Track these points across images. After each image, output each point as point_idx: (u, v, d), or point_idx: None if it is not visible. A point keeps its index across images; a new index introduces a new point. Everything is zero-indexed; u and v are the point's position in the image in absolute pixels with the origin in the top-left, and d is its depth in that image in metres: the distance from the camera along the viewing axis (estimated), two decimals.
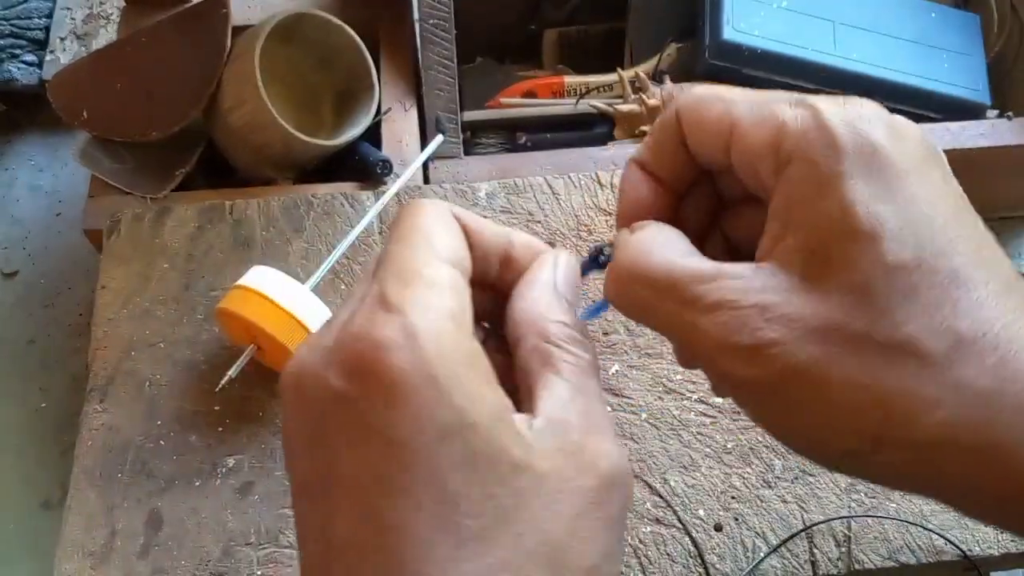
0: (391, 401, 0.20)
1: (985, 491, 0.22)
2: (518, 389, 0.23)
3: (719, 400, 0.55)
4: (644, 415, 0.54)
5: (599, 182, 0.64)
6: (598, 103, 0.78)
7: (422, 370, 0.20)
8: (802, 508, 0.51)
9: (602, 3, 0.91)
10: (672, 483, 0.52)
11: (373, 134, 0.71)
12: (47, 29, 0.98)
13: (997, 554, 0.50)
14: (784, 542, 0.50)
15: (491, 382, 0.21)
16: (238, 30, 0.69)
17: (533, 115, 0.81)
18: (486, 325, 0.27)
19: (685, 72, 0.80)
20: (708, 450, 0.53)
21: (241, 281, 0.52)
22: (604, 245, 0.28)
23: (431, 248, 0.23)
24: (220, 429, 0.53)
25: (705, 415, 0.54)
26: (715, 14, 0.76)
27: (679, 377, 0.56)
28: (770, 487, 0.52)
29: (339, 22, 0.70)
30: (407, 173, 0.65)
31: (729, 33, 0.75)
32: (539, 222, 0.62)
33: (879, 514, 0.51)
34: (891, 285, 0.22)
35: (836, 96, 0.24)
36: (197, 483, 0.51)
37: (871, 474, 0.23)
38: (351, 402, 0.20)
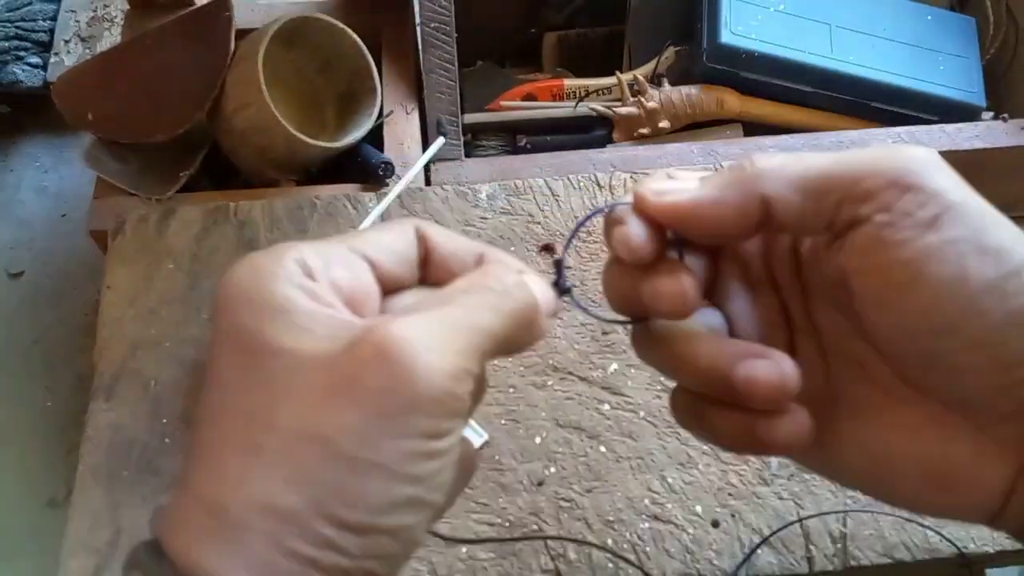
0: (214, 313, 0.25)
1: None
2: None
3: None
4: (642, 413, 0.55)
5: (598, 184, 0.65)
6: (597, 106, 0.79)
7: (225, 294, 0.24)
8: (798, 505, 0.52)
9: (601, 7, 0.92)
10: (670, 480, 0.53)
11: (375, 136, 0.72)
12: (51, 31, 0.98)
13: (992, 551, 0.51)
14: (774, 532, 0.51)
15: (298, 299, 0.23)
16: (242, 33, 0.70)
17: (533, 118, 0.81)
18: None
19: (683, 75, 0.81)
20: (705, 447, 0.54)
21: None
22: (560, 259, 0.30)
23: (347, 237, 0.26)
24: None
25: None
26: (713, 17, 0.76)
27: None
28: (766, 484, 0.53)
29: (342, 26, 0.71)
30: (409, 175, 0.66)
31: (727, 36, 0.75)
32: (539, 223, 0.63)
33: (874, 511, 0.52)
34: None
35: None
36: None
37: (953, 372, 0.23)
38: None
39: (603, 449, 0.54)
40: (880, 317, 0.25)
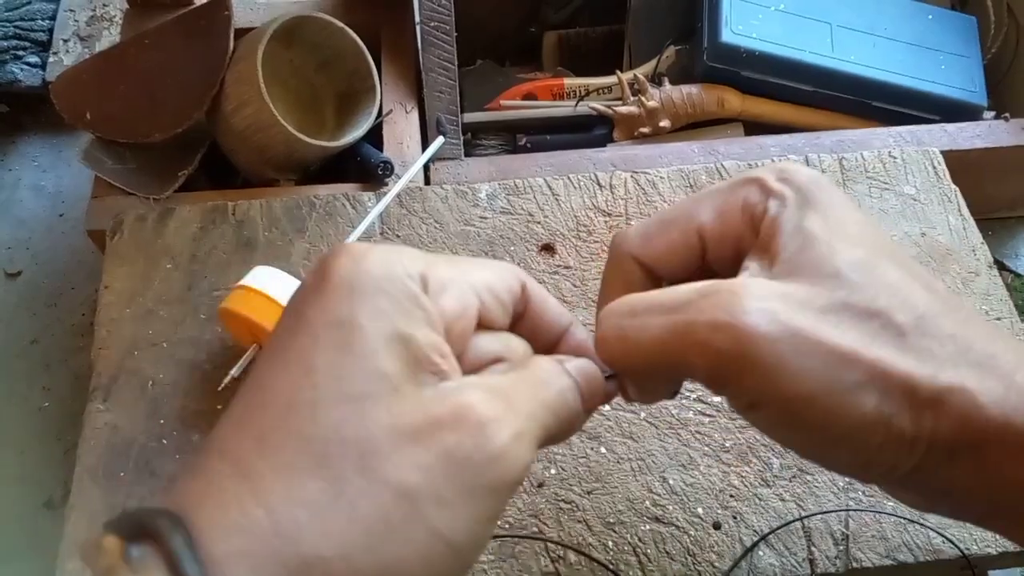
0: (317, 288, 0.24)
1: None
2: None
3: (717, 399, 0.55)
4: (643, 414, 0.55)
5: (598, 183, 0.65)
6: (597, 105, 0.79)
7: (348, 277, 0.24)
8: (800, 506, 0.52)
9: (602, 6, 0.92)
10: (671, 482, 0.52)
11: (374, 136, 0.72)
12: (50, 31, 0.98)
13: (995, 552, 0.51)
14: (774, 531, 0.50)
15: (411, 321, 0.24)
16: (241, 32, 0.69)
17: (533, 117, 0.81)
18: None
19: (684, 74, 0.80)
20: (706, 449, 0.53)
21: (244, 281, 0.53)
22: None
23: (462, 267, 0.27)
24: None
25: (703, 414, 0.55)
26: (713, 17, 0.76)
27: None
28: (768, 485, 0.52)
29: (341, 25, 0.71)
30: (408, 174, 0.65)
31: (727, 35, 0.75)
32: (539, 223, 0.63)
33: (877, 511, 0.51)
34: (858, 270, 0.26)
35: (762, 168, 0.32)
36: None
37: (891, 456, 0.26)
38: (307, 282, 0.25)
39: (603, 450, 0.53)
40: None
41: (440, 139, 0.68)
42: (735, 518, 0.51)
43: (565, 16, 0.94)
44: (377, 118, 0.72)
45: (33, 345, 0.81)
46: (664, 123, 0.77)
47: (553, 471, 0.53)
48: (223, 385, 0.52)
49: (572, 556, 0.50)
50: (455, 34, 0.67)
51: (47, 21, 0.98)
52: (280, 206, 0.63)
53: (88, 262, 0.85)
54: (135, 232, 0.62)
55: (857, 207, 0.30)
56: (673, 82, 0.79)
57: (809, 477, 0.53)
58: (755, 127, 0.79)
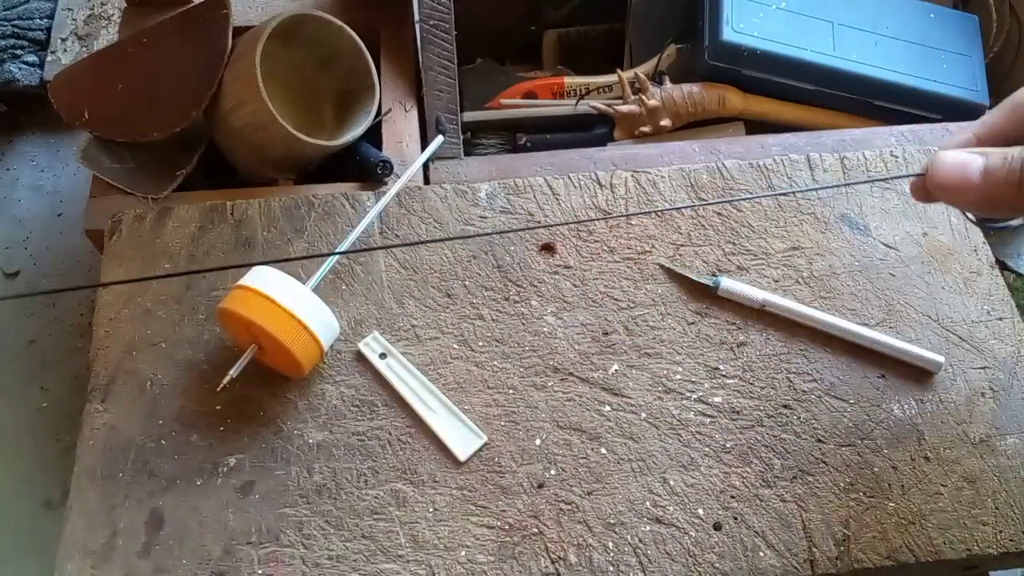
0: None
1: None
2: None
3: (718, 400, 0.55)
4: (643, 415, 0.54)
5: (599, 182, 0.65)
6: (598, 104, 0.79)
7: None
8: (801, 507, 0.51)
9: (602, 4, 0.91)
10: (671, 482, 0.52)
11: (374, 135, 0.72)
12: (48, 30, 0.98)
13: (996, 553, 0.50)
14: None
15: None
16: (239, 31, 0.69)
17: (533, 116, 0.81)
18: None
19: (685, 73, 0.80)
20: (707, 449, 0.53)
21: (242, 281, 0.52)
22: None
23: None
24: (221, 429, 0.53)
25: (704, 415, 0.55)
26: (714, 15, 0.76)
27: (678, 377, 0.56)
28: (769, 486, 0.52)
29: (340, 23, 0.71)
30: (407, 173, 0.65)
31: (728, 34, 0.75)
32: (539, 222, 0.63)
33: (878, 513, 0.51)
34: None
35: None
36: (198, 482, 0.51)
37: None
38: None
39: (604, 451, 0.53)
40: None
41: (440, 138, 0.68)
42: (736, 519, 0.51)
43: (565, 14, 0.93)
44: (376, 117, 0.72)
45: (31, 345, 0.81)
46: (665, 122, 0.77)
47: (553, 472, 0.52)
48: (222, 385, 0.52)
49: (572, 557, 0.50)
50: (455, 33, 0.67)
51: (45, 20, 0.98)
52: (279, 206, 0.63)
53: (86, 262, 0.85)
54: (133, 232, 0.62)
55: None
56: (674, 81, 0.78)
57: (810, 478, 0.52)
58: (756, 126, 0.79)
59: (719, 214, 0.63)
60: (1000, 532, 0.51)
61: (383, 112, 0.72)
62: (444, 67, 0.68)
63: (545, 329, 0.58)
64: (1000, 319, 0.59)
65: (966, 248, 0.63)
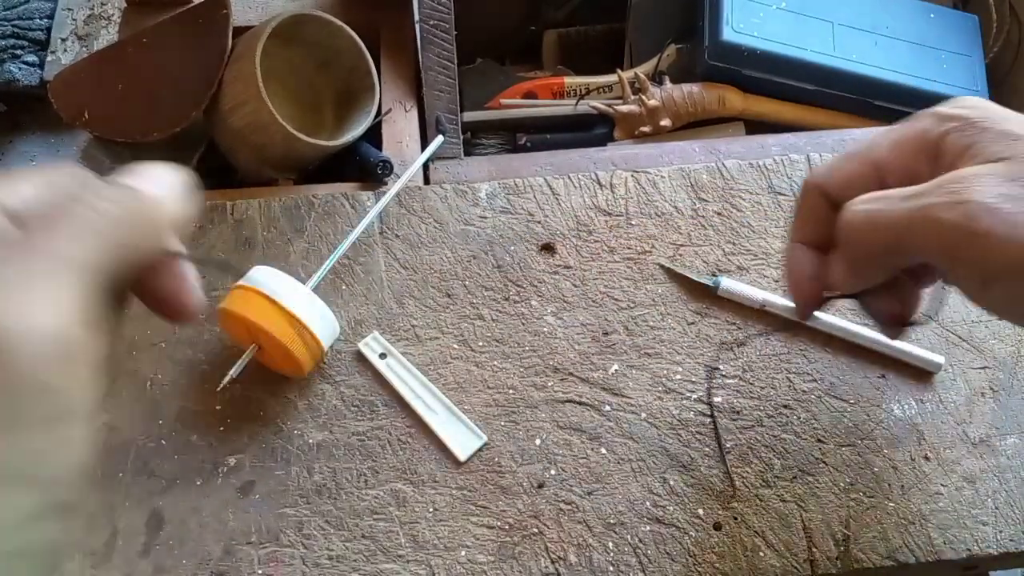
0: None
1: None
2: None
3: (718, 399, 0.55)
4: (643, 415, 0.54)
5: (599, 182, 0.65)
6: (598, 104, 0.79)
7: None
8: (801, 507, 0.51)
9: (602, 4, 0.91)
10: (671, 482, 0.52)
11: (374, 135, 0.72)
12: (48, 30, 0.98)
13: (996, 553, 0.50)
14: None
15: None
16: (239, 31, 0.69)
17: (533, 116, 0.81)
18: None
19: (685, 73, 0.80)
20: (707, 449, 0.53)
21: (242, 281, 0.52)
22: None
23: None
24: (221, 429, 0.53)
25: (704, 415, 0.55)
26: (714, 15, 0.76)
27: (678, 377, 0.56)
28: (769, 486, 0.52)
29: (340, 23, 0.71)
30: (407, 173, 0.65)
31: (728, 34, 0.75)
32: (539, 222, 0.63)
33: (878, 513, 0.51)
34: None
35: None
36: (198, 482, 0.51)
37: None
38: None
39: (604, 451, 0.53)
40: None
41: (439, 138, 0.68)
42: (736, 519, 0.51)
43: (565, 14, 0.93)
44: (376, 117, 0.72)
45: None
46: (665, 122, 0.77)
47: (553, 472, 0.52)
48: (222, 385, 0.52)
49: (573, 557, 0.50)
50: (455, 32, 0.67)
51: (45, 20, 0.98)
52: (279, 205, 0.63)
53: None
54: None
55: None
56: (674, 81, 0.78)
57: (810, 478, 0.52)
58: (756, 126, 0.79)
59: (719, 214, 0.63)
60: (1000, 532, 0.51)
61: (383, 112, 0.72)
62: (444, 67, 0.68)
63: (545, 329, 0.58)
64: (1000, 319, 0.59)
65: None
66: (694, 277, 0.60)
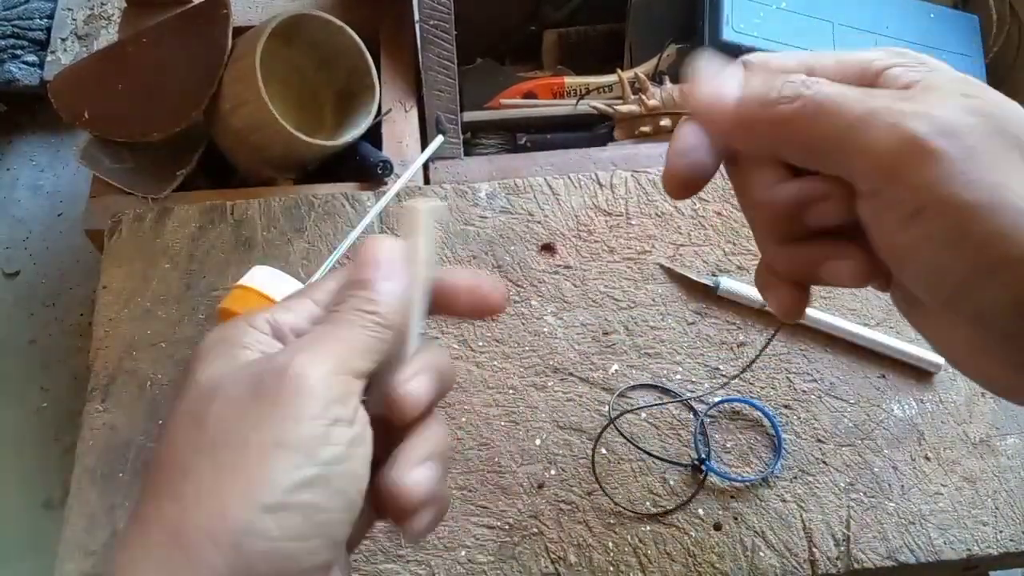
0: (189, 368, 0.28)
1: None
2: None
3: (718, 399, 0.55)
4: (643, 414, 0.54)
5: (599, 183, 0.65)
6: (598, 104, 0.79)
7: (197, 348, 0.28)
8: (801, 507, 0.51)
9: (602, 4, 0.91)
10: (671, 482, 0.52)
11: (373, 135, 0.72)
12: (48, 30, 0.98)
13: (996, 553, 0.50)
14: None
15: (255, 349, 0.28)
16: (239, 31, 0.69)
17: (533, 116, 0.81)
18: None
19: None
20: (707, 449, 0.53)
21: (242, 281, 0.52)
22: None
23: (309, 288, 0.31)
24: None
25: (704, 415, 0.55)
26: (714, 15, 0.76)
27: (678, 377, 0.56)
28: (769, 486, 0.52)
29: (340, 23, 0.71)
30: (407, 173, 0.65)
31: (728, 34, 0.75)
32: (539, 222, 0.63)
33: (879, 513, 0.51)
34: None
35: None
36: None
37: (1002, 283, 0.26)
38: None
39: (604, 451, 0.53)
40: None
41: (439, 138, 0.68)
42: (736, 519, 0.51)
43: (565, 14, 0.93)
44: (376, 117, 0.72)
45: (31, 345, 0.81)
46: (665, 122, 0.77)
47: (553, 472, 0.52)
48: None
49: (572, 557, 0.50)
50: (454, 32, 0.67)
51: (45, 20, 0.98)
52: (279, 205, 0.63)
53: (86, 262, 0.85)
54: (133, 232, 0.61)
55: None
56: (674, 80, 0.78)
57: (810, 478, 0.52)
58: None
59: (719, 214, 0.63)
60: (1000, 532, 0.51)
61: (383, 112, 0.72)
62: (444, 67, 0.68)
63: (545, 329, 0.58)
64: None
65: None
66: (694, 277, 0.60)
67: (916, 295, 0.29)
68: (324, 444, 0.25)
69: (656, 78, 0.80)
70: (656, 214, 0.63)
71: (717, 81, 0.30)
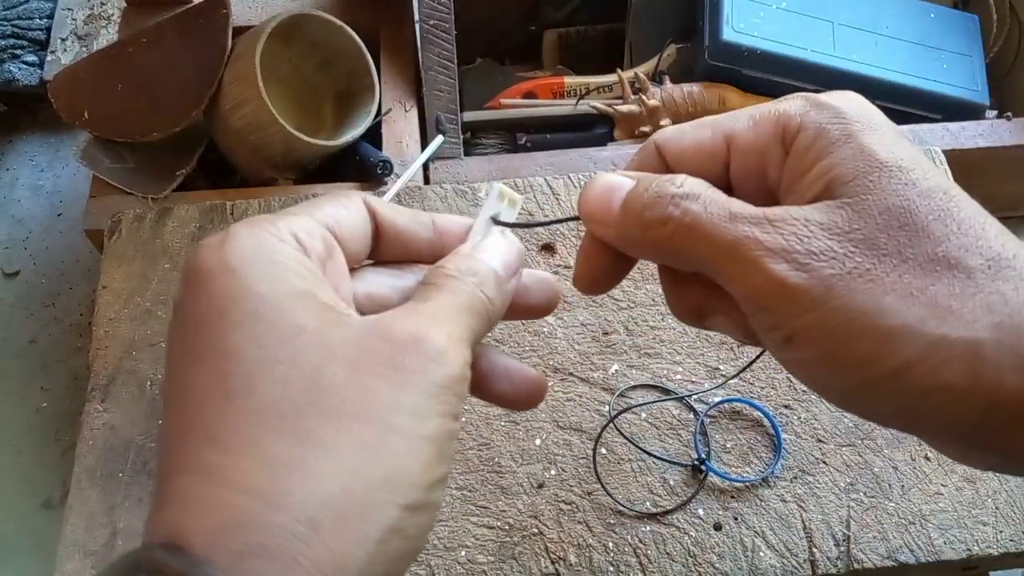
0: (195, 287, 0.24)
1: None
2: None
3: (718, 399, 0.55)
4: (643, 414, 0.54)
5: None
6: (598, 104, 0.79)
7: (221, 263, 0.24)
8: (801, 507, 0.51)
9: (602, 4, 0.91)
10: (671, 482, 0.52)
11: (373, 134, 0.72)
12: (48, 29, 0.98)
13: (996, 553, 0.50)
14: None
15: (304, 277, 0.24)
16: (239, 30, 0.69)
17: (533, 116, 0.81)
18: None
19: (685, 73, 0.80)
20: (707, 449, 0.53)
21: None
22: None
23: (304, 208, 0.27)
24: None
25: (704, 415, 0.55)
26: (715, 15, 0.76)
27: (678, 377, 0.56)
28: (769, 486, 0.52)
29: (340, 23, 0.71)
30: (407, 173, 0.65)
31: (729, 34, 0.75)
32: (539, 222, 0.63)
33: (879, 513, 0.51)
34: (927, 206, 0.25)
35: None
36: None
37: (913, 393, 0.24)
38: (177, 297, 0.25)
39: (604, 451, 0.53)
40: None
41: (439, 138, 0.68)
42: (736, 519, 0.51)
43: (565, 14, 0.93)
44: (376, 117, 0.72)
45: (31, 345, 0.81)
46: (665, 122, 0.77)
47: (553, 472, 0.52)
48: None
49: (572, 557, 0.50)
50: (454, 32, 0.67)
51: (45, 20, 0.98)
52: (279, 205, 0.63)
53: (86, 262, 0.85)
54: (133, 232, 0.61)
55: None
56: (674, 81, 0.78)
57: (810, 478, 0.52)
58: None
59: None
60: (1000, 532, 0.51)
61: (383, 112, 0.72)
62: (444, 67, 0.68)
63: (545, 329, 0.58)
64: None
65: None
66: None
67: None
68: (452, 440, 0.24)
69: (656, 78, 0.80)
70: None
71: (601, 195, 0.29)
